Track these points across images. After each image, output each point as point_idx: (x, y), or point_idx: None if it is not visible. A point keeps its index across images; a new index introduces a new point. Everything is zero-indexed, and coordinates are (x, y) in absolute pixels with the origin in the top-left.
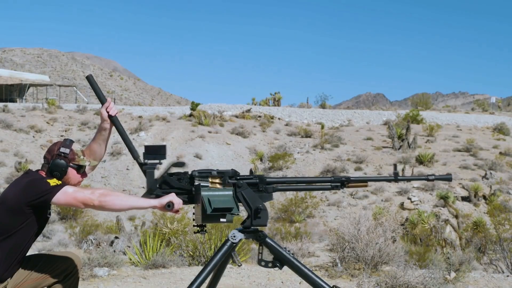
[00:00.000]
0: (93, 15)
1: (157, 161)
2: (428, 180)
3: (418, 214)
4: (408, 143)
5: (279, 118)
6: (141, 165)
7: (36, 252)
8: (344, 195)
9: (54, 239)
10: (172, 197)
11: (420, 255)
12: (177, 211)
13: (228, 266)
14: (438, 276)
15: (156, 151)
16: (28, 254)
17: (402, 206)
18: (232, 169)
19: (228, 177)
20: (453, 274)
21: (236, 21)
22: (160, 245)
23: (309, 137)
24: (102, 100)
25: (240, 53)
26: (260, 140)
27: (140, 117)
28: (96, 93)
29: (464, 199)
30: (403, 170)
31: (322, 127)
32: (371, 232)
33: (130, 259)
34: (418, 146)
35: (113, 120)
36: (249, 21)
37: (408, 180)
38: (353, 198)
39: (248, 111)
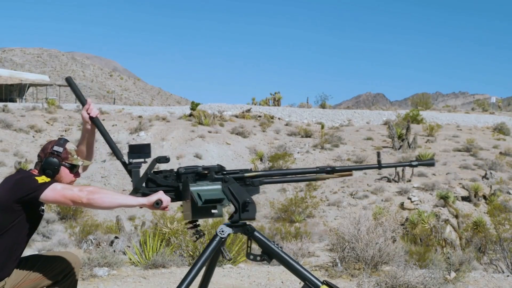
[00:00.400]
0: (93, 15)
1: (142, 160)
2: (411, 166)
3: (418, 214)
4: (408, 143)
5: (279, 118)
6: (125, 164)
7: (36, 252)
8: (344, 195)
9: (54, 239)
10: (160, 194)
11: (420, 255)
12: (165, 208)
13: (228, 266)
14: (438, 276)
15: (140, 150)
16: (27, 254)
17: (402, 206)
18: (218, 165)
19: (214, 173)
20: (453, 274)
21: (236, 21)
22: (160, 245)
23: (309, 137)
24: (82, 102)
25: (240, 52)
26: (260, 140)
27: (140, 117)
28: (76, 95)
29: (464, 199)
30: (403, 170)
31: (322, 127)
32: (371, 232)
33: (130, 259)
34: (418, 146)
35: (94, 121)
36: (249, 20)
37: (391, 167)
38: (353, 198)
39: (248, 111)
